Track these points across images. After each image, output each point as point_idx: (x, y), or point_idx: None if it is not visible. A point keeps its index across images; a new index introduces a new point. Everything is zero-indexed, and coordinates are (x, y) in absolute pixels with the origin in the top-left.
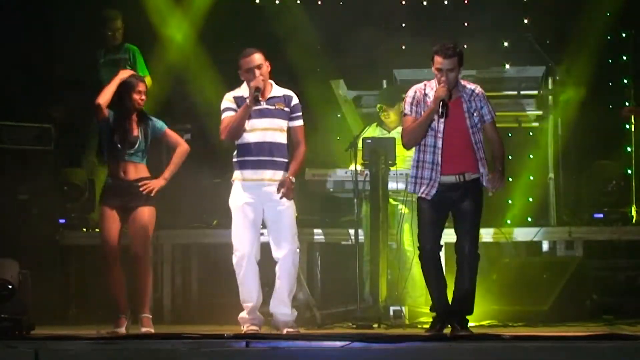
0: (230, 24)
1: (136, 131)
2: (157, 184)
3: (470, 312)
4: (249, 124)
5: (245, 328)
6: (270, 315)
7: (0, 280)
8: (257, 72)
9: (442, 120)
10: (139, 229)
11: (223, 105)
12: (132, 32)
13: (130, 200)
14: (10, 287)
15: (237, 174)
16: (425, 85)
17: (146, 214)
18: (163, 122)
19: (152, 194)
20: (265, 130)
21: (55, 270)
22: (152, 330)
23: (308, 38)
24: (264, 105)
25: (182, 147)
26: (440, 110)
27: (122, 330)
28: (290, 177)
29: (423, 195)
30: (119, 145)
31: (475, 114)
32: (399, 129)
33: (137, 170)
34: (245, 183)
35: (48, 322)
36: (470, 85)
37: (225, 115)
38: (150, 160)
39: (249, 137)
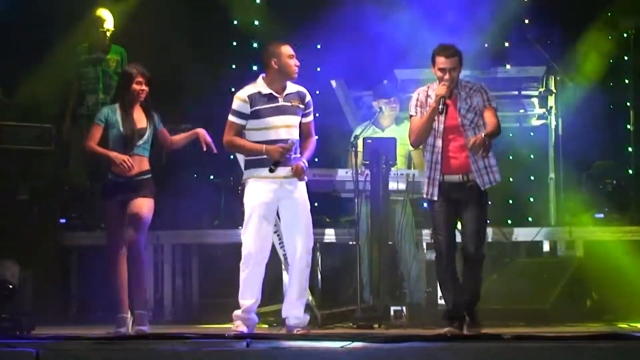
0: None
1: (142, 123)
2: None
3: (476, 304)
4: (266, 121)
5: (234, 326)
6: (271, 315)
7: (1, 280)
8: (297, 62)
9: (441, 119)
10: (136, 217)
11: (233, 105)
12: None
13: (132, 193)
14: (10, 287)
15: (251, 172)
16: (428, 87)
17: (144, 204)
18: (159, 119)
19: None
20: (286, 127)
21: (55, 270)
22: (146, 328)
23: (309, 37)
24: (281, 102)
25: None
26: (440, 107)
27: (125, 329)
28: (303, 160)
29: (428, 197)
30: (128, 137)
31: (470, 110)
32: (393, 127)
33: (140, 163)
34: (261, 182)
35: (49, 322)
36: (470, 83)
37: (231, 119)
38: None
39: (267, 134)
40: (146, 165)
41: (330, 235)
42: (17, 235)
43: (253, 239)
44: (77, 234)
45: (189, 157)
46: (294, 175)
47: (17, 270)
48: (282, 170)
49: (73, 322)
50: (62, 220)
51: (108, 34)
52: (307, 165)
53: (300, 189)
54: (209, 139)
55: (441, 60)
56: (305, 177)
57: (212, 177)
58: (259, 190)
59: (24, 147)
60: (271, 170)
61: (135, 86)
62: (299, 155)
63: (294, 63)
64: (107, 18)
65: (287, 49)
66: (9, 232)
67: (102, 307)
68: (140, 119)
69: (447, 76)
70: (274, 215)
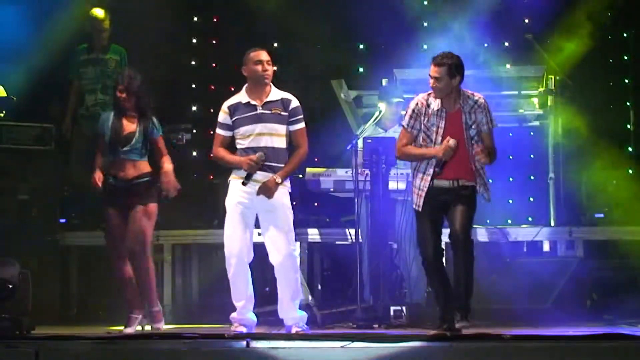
0: (230, 23)
1: (131, 128)
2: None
3: (470, 297)
4: (244, 129)
5: (232, 328)
6: (271, 315)
7: (0, 280)
8: (266, 66)
9: (440, 132)
10: (135, 226)
11: (219, 118)
12: (117, 32)
13: (131, 198)
14: (10, 287)
15: (233, 174)
16: (428, 95)
17: (143, 211)
18: (161, 129)
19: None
20: (261, 135)
21: (55, 270)
22: (161, 324)
23: (309, 37)
24: (259, 110)
25: (166, 165)
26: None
27: (133, 329)
28: (276, 177)
29: (417, 208)
30: (112, 143)
31: (473, 127)
32: (396, 127)
33: (136, 167)
34: (239, 182)
35: (48, 322)
36: (474, 96)
37: (217, 132)
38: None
39: (244, 143)
40: (143, 169)
41: (329, 235)
42: (17, 235)
43: (231, 239)
44: (77, 234)
45: (188, 158)
46: (258, 192)
47: (16, 270)
48: (260, 175)
49: (73, 322)
50: (62, 220)
51: (105, 33)
52: (280, 180)
53: (278, 193)
54: (167, 185)
55: (431, 67)
56: (282, 192)
57: (211, 177)
58: (237, 191)
59: (24, 147)
60: (244, 184)
61: (118, 94)
62: (280, 165)
63: (261, 69)
64: (103, 18)
65: (255, 56)
66: (9, 232)
67: (102, 307)
68: (130, 124)
69: (431, 82)
70: (252, 216)
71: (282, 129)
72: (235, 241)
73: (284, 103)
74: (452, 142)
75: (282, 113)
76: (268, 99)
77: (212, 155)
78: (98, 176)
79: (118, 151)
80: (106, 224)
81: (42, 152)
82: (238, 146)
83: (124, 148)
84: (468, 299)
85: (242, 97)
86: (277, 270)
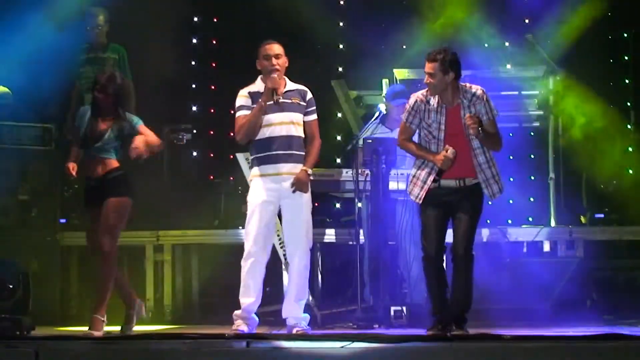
0: (231, 22)
1: (104, 126)
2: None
3: (468, 309)
4: (264, 119)
5: (234, 326)
6: (271, 315)
7: (0, 280)
8: (274, 61)
9: (442, 127)
10: (103, 220)
11: (237, 103)
12: (117, 32)
13: (102, 194)
14: (10, 287)
15: (255, 171)
16: (427, 92)
17: (112, 205)
18: (138, 119)
19: (144, 155)
20: (282, 124)
21: (55, 270)
22: (99, 334)
23: (309, 37)
24: (280, 100)
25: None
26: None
27: (128, 327)
28: (307, 169)
29: (417, 201)
30: (83, 140)
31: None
32: None
33: (105, 165)
34: (263, 179)
35: (48, 322)
36: (472, 89)
37: (240, 114)
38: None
39: (265, 132)
40: (111, 165)
41: (330, 235)
42: (17, 235)
43: (254, 236)
44: (77, 234)
45: (189, 157)
46: (295, 189)
47: (16, 270)
48: (286, 167)
49: (73, 322)
50: (62, 220)
51: (101, 31)
52: (310, 173)
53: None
54: (138, 145)
55: (425, 64)
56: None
57: (211, 177)
58: (261, 188)
59: (24, 147)
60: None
61: (96, 93)
62: (301, 153)
63: (269, 64)
64: (100, 16)
65: (263, 50)
66: (9, 232)
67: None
68: (104, 122)
69: (425, 79)
70: (275, 214)
71: (300, 118)
72: (257, 240)
73: (301, 93)
74: (450, 152)
75: (301, 103)
76: (287, 89)
77: (236, 136)
78: (72, 166)
79: (89, 148)
80: (91, 226)
81: (42, 152)
82: (256, 137)
83: (94, 145)
84: (466, 311)
85: (260, 87)
86: (291, 267)
